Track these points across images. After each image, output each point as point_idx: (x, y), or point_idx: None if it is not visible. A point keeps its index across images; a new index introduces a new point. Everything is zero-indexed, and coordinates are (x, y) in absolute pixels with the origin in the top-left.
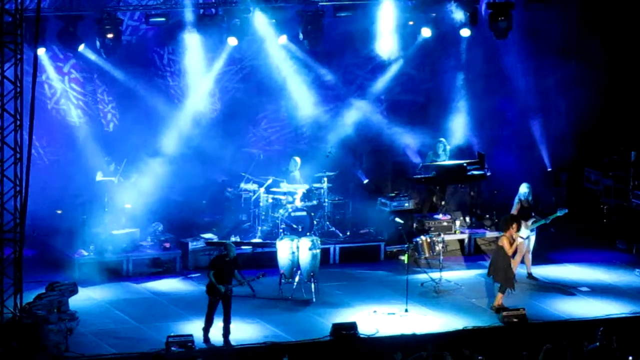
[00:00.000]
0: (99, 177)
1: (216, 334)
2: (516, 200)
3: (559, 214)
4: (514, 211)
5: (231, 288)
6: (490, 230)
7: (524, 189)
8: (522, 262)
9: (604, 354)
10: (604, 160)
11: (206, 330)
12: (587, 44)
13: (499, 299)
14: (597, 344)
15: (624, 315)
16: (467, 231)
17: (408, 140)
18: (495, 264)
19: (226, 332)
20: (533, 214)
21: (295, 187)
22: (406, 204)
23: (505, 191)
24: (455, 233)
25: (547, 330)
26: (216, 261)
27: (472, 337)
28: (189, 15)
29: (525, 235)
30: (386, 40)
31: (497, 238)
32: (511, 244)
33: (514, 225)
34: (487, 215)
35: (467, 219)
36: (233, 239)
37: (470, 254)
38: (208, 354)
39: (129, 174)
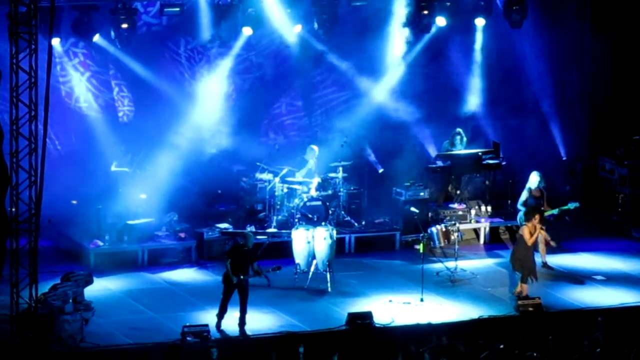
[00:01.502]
0: (114, 167)
1: (232, 324)
2: (526, 189)
3: (569, 206)
4: (521, 199)
5: (247, 279)
6: (505, 219)
7: (534, 177)
8: (537, 250)
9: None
10: (619, 149)
11: (220, 317)
12: (602, 35)
13: (524, 289)
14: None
15: (639, 304)
16: (482, 220)
17: (424, 129)
18: (515, 254)
19: (242, 322)
20: (544, 204)
21: (308, 178)
22: (421, 194)
23: (520, 180)
24: (470, 222)
25: (563, 319)
26: (233, 250)
27: (488, 326)
28: (203, 5)
29: None
30: (401, 29)
31: (517, 227)
32: (532, 235)
33: (537, 216)
34: (503, 205)
35: (483, 208)
36: (248, 228)
37: (486, 243)
38: (223, 344)
39: (144, 164)
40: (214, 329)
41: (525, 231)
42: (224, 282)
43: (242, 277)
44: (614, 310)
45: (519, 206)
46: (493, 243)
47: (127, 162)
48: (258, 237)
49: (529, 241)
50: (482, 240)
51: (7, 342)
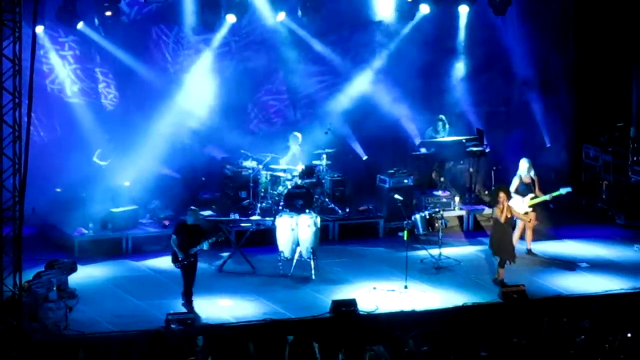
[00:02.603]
0: (95, 157)
1: (216, 311)
2: (516, 176)
3: (561, 192)
4: (512, 187)
5: (191, 255)
6: (488, 206)
7: (524, 164)
8: (522, 237)
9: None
10: (603, 136)
11: (188, 302)
12: (585, 20)
13: (501, 274)
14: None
15: (623, 291)
16: (465, 207)
17: (407, 116)
18: (492, 238)
19: (187, 302)
20: (536, 190)
21: (292, 165)
22: (405, 181)
23: (504, 167)
24: (454, 209)
25: (547, 306)
26: (180, 228)
27: (472, 313)
28: None
29: (524, 211)
30: (385, 17)
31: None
32: (502, 212)
33: (501, 195)
34: (486, 192)
35: (466, 195)
36: (232, 216)
37: (469, 230)
38: (209, 331)
39: (124, 153)
40: (199, 316)
41: (496, 212)
42: (174, 262)
43: (190, 252)
44: (599, 297)
45: (512, 194)
46: (477, 230)
47: (111, 150)
48: (242, 224)
49: (502, 218)
50: (465, 228)
51: None
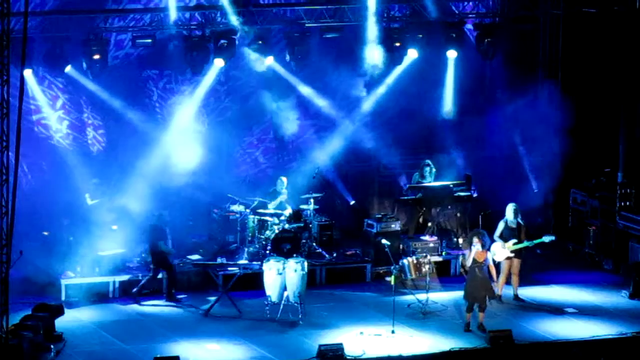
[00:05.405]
0: (89, 201)
1: (203, 355)
2: (502, 221)
3: (544, 239)
4: (497, 232)
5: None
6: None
7: (510, 209)
8: (509, 283)
9: None
10: (590, 182)
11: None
12: (572, 66)
13: (467, 317)
14: None
15: (610, 336)
16: (453, 252)
17: (394, 161)
18: (465, 284)
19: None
20: (521, 236)
21: (279, 209)
22: (393, 225)
23: (493, 212)
24: (441, 254)
25: (534, 351)
26: (161, 233)
27: (459, 358)
28: (175, 36)
29: (505, 256)
30: (373, 61)
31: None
32: (470, 257)
33: (474, 240)
34: (462, 237)
35: (454, 240)
36: (219, 260)
37: (457, 275)
38: None
39: (114, 194)
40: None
41: (470, 257)
42: (160, 264)
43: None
44: (585, 342)
45: (495, 238)
46: (465, 275)
47: (100, 193)
48: (229, 268)
49: (467, 261)
50: (452, 272)
51: None
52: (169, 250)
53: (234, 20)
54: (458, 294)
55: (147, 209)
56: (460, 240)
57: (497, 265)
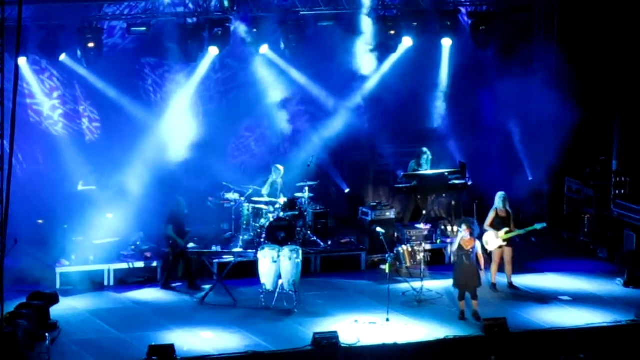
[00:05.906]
0: (80, 186)
1: (198, 343)
2: (492, 209)
3: (536, 227)
4: (487, 220)
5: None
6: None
7: (498, 198)
8: (502, 271)
9: None
10: (585, 170)
11: (168, 282)
12: (568, 54)
13: (462, 305)
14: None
15: (605, 324)
16: (447, 240)
17: (390, 149)
18: (454, 274)
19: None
20: (511, 225)
21: (273, 197)
22: (387, 214)
23: (487, 200)
24: (436, 242)
25: (529, 339)
26: (173, 216)
27: (454, 346)
28: (170, 24)
29: (497, 245)
30: (368, 49)
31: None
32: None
33: (463, 227)
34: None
35: (449, 228)
36: (214, 248)
37: (452, 263)
38: None
39: (109, 183)
40: (180, 349)
41: (455, 244)
42: (171, 247)
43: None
44: (580, 330)
45: (486, 227)
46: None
47: (94, 180)
48: (224, 256)
49: (453, 248)
50: (447, 261)
51: None
52: (175, 238)
53: (229, 8)
54: (452, 282)
55: (142, 196)
56: (455, 229)
57: (490, 255)
